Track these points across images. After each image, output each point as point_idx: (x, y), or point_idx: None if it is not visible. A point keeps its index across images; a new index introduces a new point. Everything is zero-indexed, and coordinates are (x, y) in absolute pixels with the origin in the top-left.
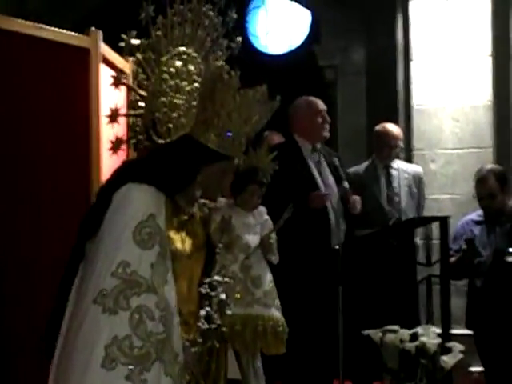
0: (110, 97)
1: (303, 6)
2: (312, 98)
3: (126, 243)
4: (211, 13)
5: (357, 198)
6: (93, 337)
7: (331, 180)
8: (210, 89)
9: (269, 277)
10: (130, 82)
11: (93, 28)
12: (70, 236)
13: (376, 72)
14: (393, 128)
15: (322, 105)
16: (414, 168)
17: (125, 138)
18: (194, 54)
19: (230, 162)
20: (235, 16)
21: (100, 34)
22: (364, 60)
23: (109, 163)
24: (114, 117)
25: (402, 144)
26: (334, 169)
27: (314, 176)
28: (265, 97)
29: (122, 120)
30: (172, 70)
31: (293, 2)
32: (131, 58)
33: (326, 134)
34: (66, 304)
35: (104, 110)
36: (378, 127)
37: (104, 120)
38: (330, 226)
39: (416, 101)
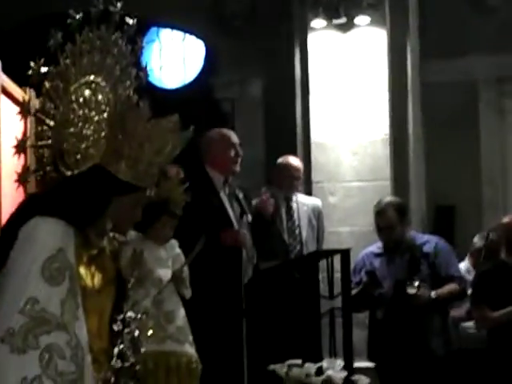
0: (10, 129)
1: (198, 38)
2: (225, 131)
3: (34, 279)
4: (120, 41)
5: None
6: (0, 378)
7: (238, 213)
8: (120, 118)
9: (181, 312)
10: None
11: None
12: None
13: (274, 105)
14: (295, 160)
15: (235, 138)
16: (312, 201)
17: (29, 169)
18: (103, 83)
19: (141, 194)
20: (143, 45)
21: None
22: (261, 92)
23: (10, 197)
24: (21, 147)
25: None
26: (237, 201)
27: (227, 209)
28: (177, 127)
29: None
30: (80, 99)
31: (187, 35)
32: (29, 89)
33: (238, 167)
34: None
35: (4, 142)
36: (281, 159)
37: (5, 152)
38: (242, 261)
39: (314, 134)
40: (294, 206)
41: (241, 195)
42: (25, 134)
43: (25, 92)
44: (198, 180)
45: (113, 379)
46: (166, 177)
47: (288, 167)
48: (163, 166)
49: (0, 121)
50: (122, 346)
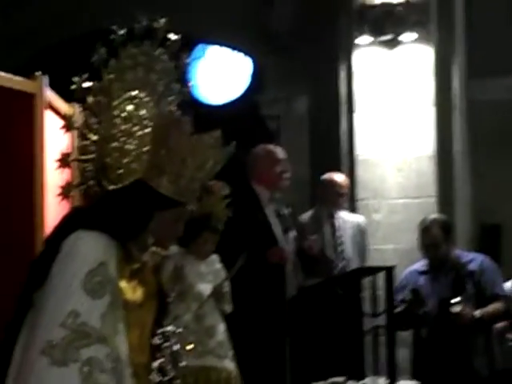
0: (55, 143)
1: (245, 54)
2: (271, 147)
3: (75, 292)
4: (164, 57)
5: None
6: None
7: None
8: (162, 134)
9: (222, 327)
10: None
11: (38, 72)
12: (15, 285)
13: (319, 122)
14: (339, 177)
15: (281, 153)
16: (355, 218)
17: (73, 183)
18: (146, 99)
19: (183, 209)
20: (188, 60)
21: (46, 78)
22: (307, 109)
23: (55, 211)
24: (64, 161)
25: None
26: (280, 217)
27: (271, 225)
28: (219, 142)
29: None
30: (124, 114)
31: (234, 52)
32: (76, 105)
33: (286, 183)
34: (12, 355)
35: (49, 156)
36: (325, 176)
37: (49, 166)
38: (285, 278)
39: (359, 151)
40: (338, 222)
41: (286, 211)
42: (72, 148)
43: (71, 107)
44: (243, 196)
45: None
46: (208, 192)
47: (333, 184)
48: (205, 182)
49: (45, 135)
50: (161, 360)
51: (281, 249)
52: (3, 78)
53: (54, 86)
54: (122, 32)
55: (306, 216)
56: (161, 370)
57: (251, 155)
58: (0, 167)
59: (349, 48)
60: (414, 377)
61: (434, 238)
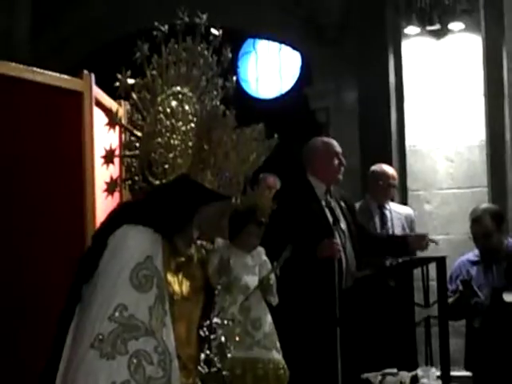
0: (103, 140)
1: (293, 48)
2: (328, 140)
3: (122, 286)
4: (206, 52)
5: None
6: (91, 382)
7: (344, 224)
8: (206, 128)
9: (268, 318)
10: (124, 123)
11: (85, 71)
12: (66, 279)
13: (369, 113)
14: (389, 168)
15: (337, 147)
16: (405, 209)
17: (120, 179)
18: (190, 94)
19: (227, 202)
20: (230, 55)
21: (93, 76)
22: (356, 101)
23: (103, 205)
24: (109, 157)
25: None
26: (330, 209)
27: (328, 218)
28: (262, 135)
29: (116, 162)
30: (167, 110)
31: (283, 46)
32: (124, 102)
33: (341, 176)
34: (63, 348)
35: (98, 153)
36: (375, 167)
37: (98, 162)
38: (341, 269)
39: (409, 141)
40: (388, 214)
41: (342, 203)
42: (120, 144)
43: (119, 104)
44: (299, 189)
45: None
46: (253, 185)
47: (383, 175)
48: (250, 175)
49: (94, 132)
50: (208, 352)
51: (331, 242)
52: (53, 77)
53: (102, 85)
54: (164, 28)
55: (355, 207)
56: (208, 362)
57: (308, 147)
58: (50, 164)
59: (397, 38)
60: (466, 368)
61: (486, 228)
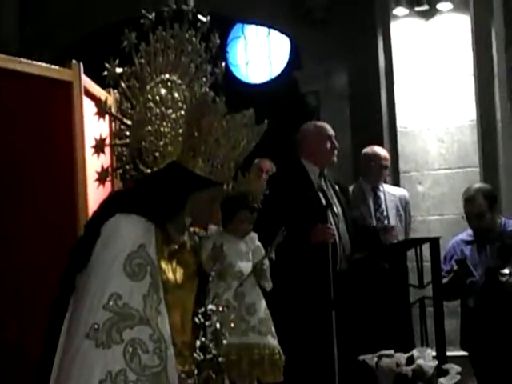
0: (93, 129)
1: (282, 33)
2: (321, 123)
3: (116, 275)
4: (194, 39)
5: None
6: (86, 372)
7: (338, 207)
8: (196, 115)
9: (263, 304)
10: (114, 112)
11: (74, 61)
12: (58, 269)
13: (359, 96)
14: (381, 150)
15: (330, 130)
16: (399, 191)
17: (111, 168)
18: (179, 81)
19: (219, 189)
20: (218, 41)
21: (81, 66)
22: (346, 84)
23: (95, 195)
24: (99, 147)
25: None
26: (322, 193)
27: (321, 201)
28: (252, 121)
29: (107, 151)
30: (157, 97)
31: (272, 30)
32: (113, 90)
33: (335, 159)
34: (58, 339)
35: (88, 142)
36: (367, 149)
37: (89, 152)
38: (336, 253)
39: (400, 123)
40: (382, 196)
41: (336, 187)
42: (110, 133)
43: (108, 93)
44: (293, 172)
45: (196, 371)
46: (244, 171)
47: (375, 157)
48: (240, 160)
49: (84, 122)
50: (203, 339)
51: (324, 226)
52: (41, 68)
53: (91, 74)
54: (151, 16)
55: (349, 190)
56: (203, 349)
57: (301, 131)
58: (41, 155)
59: (386, 20)
60: (462, 347)
61: (479, 208)
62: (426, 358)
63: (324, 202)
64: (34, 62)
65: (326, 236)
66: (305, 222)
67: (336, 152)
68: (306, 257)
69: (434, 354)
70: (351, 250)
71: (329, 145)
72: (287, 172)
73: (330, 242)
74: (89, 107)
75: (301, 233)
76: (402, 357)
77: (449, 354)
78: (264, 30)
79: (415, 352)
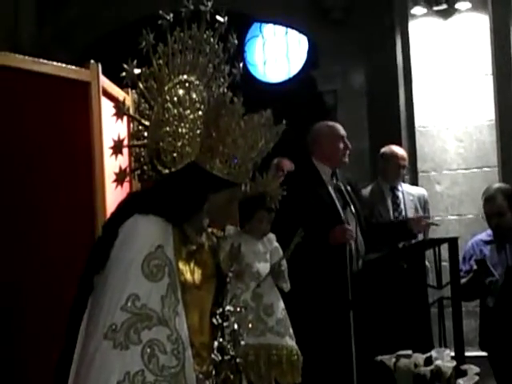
0: (112, 129)
1: (300, 32)
2: (333, 123)
3: (134, 276)
4: (212, 39)
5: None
6: (105, 373)
7: (352, 207)
8: (213, 116)
9: (281, 305)
10: (132, 112)
11: (92, 61)
12: (76, 270)
13: (377, 95)
14: (399, 150)
15: (342, 130)
16: (418, 190)
17: (129, 169)
18: (196, 82)
19: (237, 189)
20: (236, 42)
21: (99, 66)
22: (364, 83)
23: (113, 195)
24: (118, 148)
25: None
26: (340, 193)
27: (335, 202)
28: (270, 121)
29: (125, 151)
30: (175, 98)
31: (289, 29)
32: (131, 90)
33: (347, 159)
34: (76, 339)
35: (106, 143)
36: (385, 149)
37: (107, 152)
38: (351, 253)
39: (419, 122)
40: (400, 195)
41: (348, 187)
42: (128, 134)
43: (126, 93)
44: (305, 173)
45: (214, 372)
46: (262, 172)
47: (393, 156)
48: (258, 161)
49: (102, 122)
50: (221, 340)
51: (343, 227)
52: (59, 68)
53: (109, 74)
54: (168, 17)
55: (367, 189)
56: (221, 350)
57: (312, 131)
58: (59, 156)
59: (404, 19)
60: (481, 348)
61: (499, 207)
62: (444, 358)
63: (339, 202)
64: (52, 63)
65: (345, 237)
66: (319, 223)
67: (348, 152)
68: (323, 257)
69: (453, 354)
70: (365, 249)
71: (341, 145)
72: (301, 172)
73: (349, 242)
74: (107, 107)
75: (318, 234)
76: (420, 357)
77: (467, 354)
78: (282, 29)
79: (433, 353)
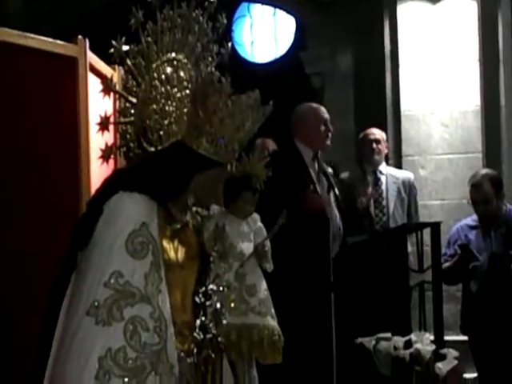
0: (98, 106)
1: (288, 13)
2: (316, 106)
3: (118, 253)
4: (201, 18)
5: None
6: (86, 349)
7: (325, 188)
8: (201, 95)
9: (263, 285)
10: (119, 89)
11: (80, 36)
12: (60, 246)
13: (364, 78)
14: (374, 131)
15: (325, 113)
16: (403, 174)
17: (115, 145)
18: (185, 60)
19: (222, 169)
20: (225, 21)
21: (87, 42)
22: (351, 66)
23: (98, 172)
24: (104, 124)
25: (385, 149)
26: (325, 176)
27: (315, 184)
28: (257, 102)
29: (111, 128)
30: (162, 76)
31: (278, 10)
32: (118, 67)
33: (329, 142)
34: (58, 315)
35: (92, 119)
36: (361, 133)
37: (93, 129)
38: (329, 236)
39: (405, 107)
40: (383, 178)
41: (329, 170)
42: (115, 111)
43: (113, 70)
44: (287, 154)
45: (195, 351)
46: (248, 152)
47: (365, 135)
48: (245, 141)
49: (89, 99)
50: (203, 319)
51: (318, 197)
52: (46, 43)
53: (96, 50)
54: None
55: (346, 173)
56: (203, 328)
57: (295, 113)
58: (45, 131)
59: (392, 3)
60: (462, 331)
61: (486, 194)
62: (423, 342)
63: (325, 184)
64: (39, 37)
65: (320, 204)
66: (300, 205)
67: (330, 135)
68: (305, 238)
69: (432, 338)
70: (343, 232)
71: (323, 128)
72: (283, 154)
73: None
74: (94, 84)
75: (297, 214)
76: (399, 340)
77: (447, 338)
78: (270, 9)
79: (413, 336)
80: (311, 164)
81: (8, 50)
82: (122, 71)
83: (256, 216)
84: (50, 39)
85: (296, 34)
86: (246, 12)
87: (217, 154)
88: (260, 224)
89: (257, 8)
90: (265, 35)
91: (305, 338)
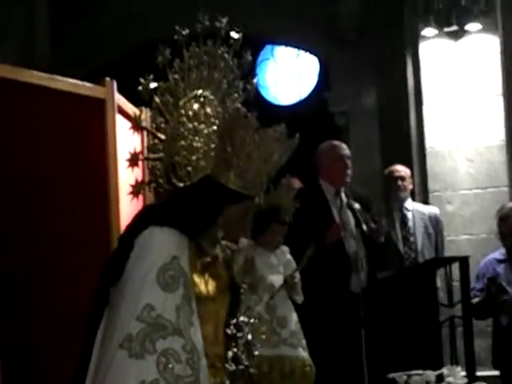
0: (125, 147)
1: (312, 53)
2: (336, 143)
3: (149, 287)
4: (227, 55)
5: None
6: (120, 382)
7: (352, 224)
8: (229, 129)
9: (294, 317)
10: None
11: (107, 78)
12: (92, 282)
13: (388, 116)
14: (399, 168)
15: (345, 149)
16: (430, 209)
17: (144, 181)
18: (211, 97)
19: (251, 202)
20: (250, 58)
21: (115, 84)
22: (375, 104)
23: (128, 209)
24: (134, 160)
25: (410, 185)
26: (352, 212)
27: (335, 220)
28: (283, 135)
29: (140, 165)
30: (190, 112)
31: (301, 51)
32: (145, 108)
33: (348, 179)
34: (92, 350)
35: (121, 158)
36: (386, 170)
37: (122, 166)
38: (350, 270)
39: (429, 143)
40: (409, 214)
41: (356, 205)
42: (142, 148)
43: (140, 110)
44: (311, 191)
45: (228, 383)
46: (275, 185)
47: (390, 172)
48: (272, 175)
49: (117, 139)
50: (235, 350)
51: (337, 225)
52: (74, 85)
53: (124, 92)
54: (184, 32)
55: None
56: (235, 360)
57: (318, 151)
58: (75, 171)
59: (415, 40)
60: (494, 366)
61: None
62: (456, 376)
63: (353, 220)
64: (68, 79)
65: (339, 232)
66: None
67: (349, 172)
68: (328, 273)
69: (464, 373)
70: (370, 267)
71: (341, 164)
72: (307, 190)
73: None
74: (122, 125)
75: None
76: (431, 374)
77: (479, 373)
78: (293, 51)
79: (445, 370)
80: (333, 200)
81: (37, 93)
82: (149, 112)
83: (285, 248)
84: (78, 81)
85: (320, 74)
86: (270, 55)
87: (245, 188)
88: (289, 256)
89: (280, 50)
90: (289, 77)
91: (336, 373)
